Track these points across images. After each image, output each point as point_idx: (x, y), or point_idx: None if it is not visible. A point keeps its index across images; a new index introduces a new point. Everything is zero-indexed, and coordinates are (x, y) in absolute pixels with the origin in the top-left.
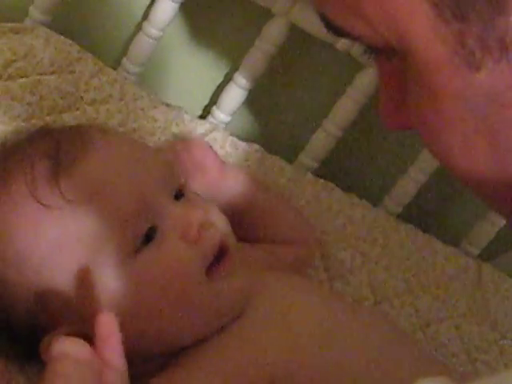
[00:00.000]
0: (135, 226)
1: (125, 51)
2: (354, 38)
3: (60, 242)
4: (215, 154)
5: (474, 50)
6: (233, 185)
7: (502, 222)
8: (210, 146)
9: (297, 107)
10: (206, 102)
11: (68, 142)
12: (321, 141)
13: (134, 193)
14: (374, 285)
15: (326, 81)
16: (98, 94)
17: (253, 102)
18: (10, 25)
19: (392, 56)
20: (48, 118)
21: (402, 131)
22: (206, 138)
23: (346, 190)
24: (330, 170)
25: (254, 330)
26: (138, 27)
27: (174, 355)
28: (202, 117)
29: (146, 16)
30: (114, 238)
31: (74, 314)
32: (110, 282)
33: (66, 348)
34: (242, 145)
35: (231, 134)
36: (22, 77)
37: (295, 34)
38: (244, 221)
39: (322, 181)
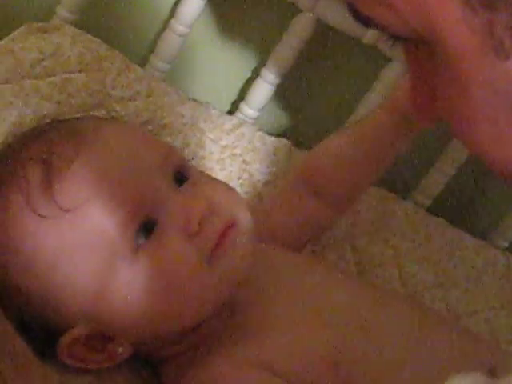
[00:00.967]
0: (134, 224)
1: (152, 48)
2: (382, 28)
3: (61, 250)
4: None
5: (502, 38)
6: None
7: None
8: None
9: (324, 102)
10: (234, 97)
11: (60, 143)
12: None
13: (131, 190)
14: (404, 278)
15: (353, 75)
16: (125, 91)
17: (280, 97)
18: (37, 24)
19: (420, 46)
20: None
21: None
22: (234, 133)
23: (375, 183)
24: None
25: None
26: (166, 24)
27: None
28: (230, 112)
29: (173, 13)
30: (114, 239)
31: (86, 314)
32: (115, 280)
33: None
34: (270, 139)
35: (259, 129)
36: (50, 75)
37: (322, 28)
38: None
39: None
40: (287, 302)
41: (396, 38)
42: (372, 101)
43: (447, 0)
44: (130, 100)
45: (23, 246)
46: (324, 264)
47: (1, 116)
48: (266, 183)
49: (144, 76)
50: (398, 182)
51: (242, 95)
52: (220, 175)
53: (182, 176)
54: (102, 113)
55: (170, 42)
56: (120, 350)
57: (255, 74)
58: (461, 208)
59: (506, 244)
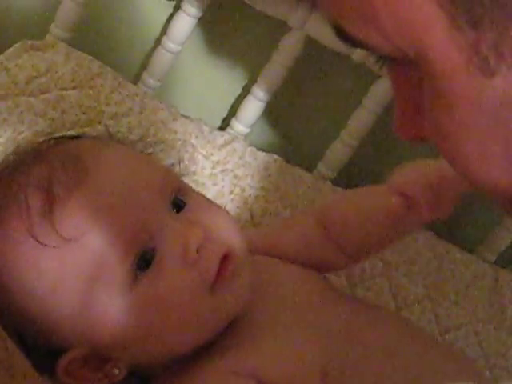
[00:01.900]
0: (132, 255)
1: (144, 66)
2: (368, 48)
3: (60, 279)
4: None
5: (488, 56)
6: None
7: None
8: None
9: (314, 118)
10: (225, 114)
11: (60, 170)
12: (338, 150)
13: (130, 219)
14: (394, 291)
15: (343, 92)
16: (118, 107)
17: (271, 113)
18: (31, 42)
19: (406, 65)
20: (71, 133)
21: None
22: (226, 149)
23: None
24: (348, 179)
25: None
26: (157, 42)
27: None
28: (221, 129)
29: (164, 31)
30: (113, 269)
31: (82, 339)
32: (112, 309)
33: None
34: (262, 155)
35: (250, 145)
36: (43, 92)
37: (311, 46)
38: None
39: (340, 189)
40: (276, 312)
41: (382, 57)
42: (362, 117)
43: (433, 21)
44: (123, 116)
45: (24, 272)
46: (315, 276)
47: None
48: (257, 198)
49: (137, 93)
50: None
51: (232, 112)
52: (212, 190)
53: (179, 201)
54: (96, 128)
55: (161, 60)
56: (116, 371)
57: (246, 91)
58: (449, 222)
59: (494, 257)
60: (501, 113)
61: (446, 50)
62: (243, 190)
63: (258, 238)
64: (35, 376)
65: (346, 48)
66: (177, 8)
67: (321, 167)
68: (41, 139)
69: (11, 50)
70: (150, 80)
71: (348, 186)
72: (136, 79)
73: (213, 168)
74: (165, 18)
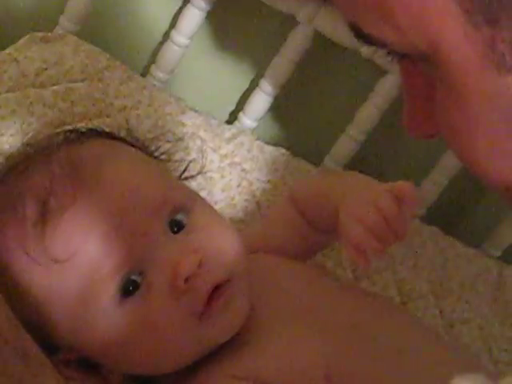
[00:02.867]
0: (118, 279)
1: (153, 59)
2: (384, 45)
3: (49, 294)
4: None
5: (504, 53)
6: None
7: None
8: None
9: (321, 112)
10: (233, 108)
11: (60, 181)
12: (345, 145)
13: (121, 241)
14: (399, 285)
15: (350, 86)
16: (127, 100)
17: (278, 107)
18: (40, 34)
19: (420, 62)
20: (80, 125)
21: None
22: (234, 142)
23: None
24: None
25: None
26: (166, 35)
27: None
28: (229, 122)
29: (173, 25)
30: (99, 292)
31: (74, 346)
32: (99, 327)
33: None
34: (269, 149)
35: (258, 139)
36: (53, 84)
37: (319, 40)
38: None
39: None
40: (276, 312)
41: (395, 53)
42: (368, 112)
43: (450, 17)
44: (132, 109)
45: (16, 279)
46: (319, 272)
47: (5, 124)
48: (265, 191)
49: (145, 86)
50: None
51: (240, 106)
52: (220, 183)
53: (178, 222)
54: (104, 121)
55: (170, 53)
56: (111, 376)
57: (253, 85)
58: (454, 217)
59: (499, 253)
60: None
61: (461, 45)
62: (251, 183)
63: (253, 239)
64: (50, 366)
65: (354, 43)
66: (186, 1)
67: (327, 161)
68: (54, 131)
69: (21, 42)
70: (158, 73)
71: None
72: (145, 72)
73: (221, 161)
74: (174, 11)
